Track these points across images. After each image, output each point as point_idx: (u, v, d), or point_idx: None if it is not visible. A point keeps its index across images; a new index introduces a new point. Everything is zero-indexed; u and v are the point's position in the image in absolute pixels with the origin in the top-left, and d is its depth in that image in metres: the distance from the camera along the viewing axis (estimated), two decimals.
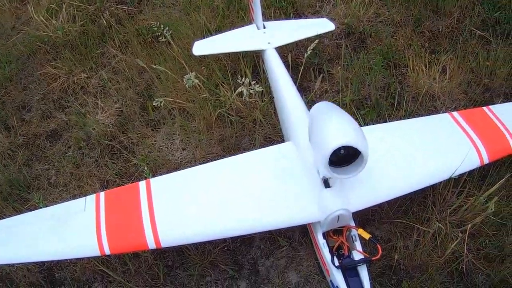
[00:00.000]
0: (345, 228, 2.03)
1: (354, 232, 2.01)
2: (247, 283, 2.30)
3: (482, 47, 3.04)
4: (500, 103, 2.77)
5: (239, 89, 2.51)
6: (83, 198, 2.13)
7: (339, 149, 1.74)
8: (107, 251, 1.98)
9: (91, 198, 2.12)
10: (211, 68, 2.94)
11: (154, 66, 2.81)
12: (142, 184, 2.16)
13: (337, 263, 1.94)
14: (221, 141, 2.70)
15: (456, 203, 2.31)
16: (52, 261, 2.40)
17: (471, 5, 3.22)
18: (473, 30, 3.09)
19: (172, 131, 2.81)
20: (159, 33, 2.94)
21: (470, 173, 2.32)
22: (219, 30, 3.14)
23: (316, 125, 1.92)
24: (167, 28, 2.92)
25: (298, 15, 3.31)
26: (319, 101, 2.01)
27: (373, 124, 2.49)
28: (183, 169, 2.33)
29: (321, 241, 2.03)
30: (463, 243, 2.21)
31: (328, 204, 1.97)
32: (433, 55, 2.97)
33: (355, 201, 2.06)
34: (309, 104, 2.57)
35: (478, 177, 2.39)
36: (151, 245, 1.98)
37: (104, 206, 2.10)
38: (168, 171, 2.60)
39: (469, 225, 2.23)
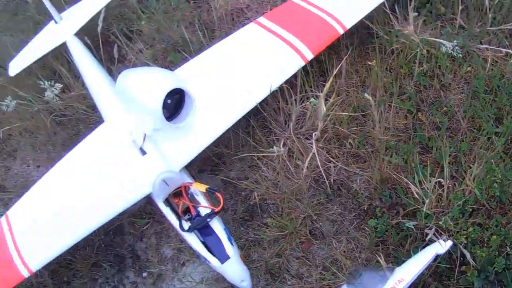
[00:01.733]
0: (183, 187, 1.92)
1: (193, 188, 1.91)
2: (134, 272, 2.24)
3: None
4: None
5: (45, 94, 2.43)
6: None
7: (165, 100, 1.77)
8: None
9: None
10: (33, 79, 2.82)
11: None
12: (2, 219, 2.11)
13: (186, 228, 1.84)
14: (63, 144, 2.62)
15: (294, 112, 2.12)
16: None
17: None
18: None
19: (25, 154, 2.75)
20: None
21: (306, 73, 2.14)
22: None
23: (131, 90, 1.86)
24: None
25: None
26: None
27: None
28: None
29: (164, 210, 1.94)
30: (315, 153, 1.99)
31: (148, 172, 1.88)
32: None
33: (178, 157, 1.96)
34: None
35: (318, 74, 2.22)
36: (24, 272, 1.93)
37: None
38: None
39: (316, 132, 2.02)
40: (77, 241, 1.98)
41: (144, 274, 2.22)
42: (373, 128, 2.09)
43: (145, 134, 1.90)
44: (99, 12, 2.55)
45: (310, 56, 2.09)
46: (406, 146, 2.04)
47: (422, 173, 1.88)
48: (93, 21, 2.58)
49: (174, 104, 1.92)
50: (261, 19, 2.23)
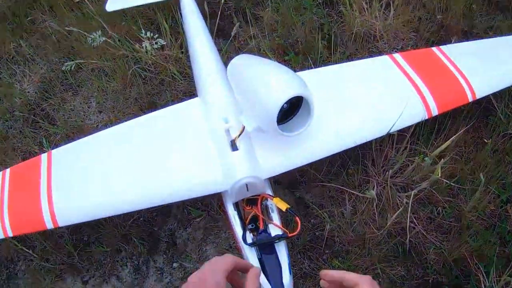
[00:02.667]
0: (260, 197, 1.63)
1: (270, 201, 1.63)
2: (164, 258, 1.95)
3: None
4: (458, 40, 2.30)
5: (143, 44, 2.14)
6: None
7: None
8: (9, 233, 1.67)
9: None
10: (129, 24, 2.56)
11: (67, 28, 2.45)
12: (43, 157, 1.83)
13: (249, 241, 1.54)
14: (137, 99, 2.34)
15: (399, 162, 1.88)
16: None
17: None
18: None
19: (89, 93, 2.46)
20: None
21: (418, 125, 1.90)
22: None
23: (250, 80, 1.58)
24: None
25: None
26: (240, 53, 1.70)
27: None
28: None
29: (231, 213, 1.64)
30: (408, 211, 1.76)
31: (234, 170, 1.59)
32: None
33: (270, 166, 1.67)
34: (236, 53, 2.19)
35: (428, 130, 1.97)
36: (49, 224, 1.65)
37: (8, 184, 1.79)
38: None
39: (415, 190, 1.79)
40: (117, 214, 1.70)
41: (175, 265, 1.93)
42: (465, 204, 1.86)
43: (244, 128, 1.63)
44: None
45: (435, 112, 1.84)
46: (486, 232, 1.81)
47: (494, 266, 1.66)
48: None
49: (288, 109, 1.65)
50: (397, 56, 1.99)
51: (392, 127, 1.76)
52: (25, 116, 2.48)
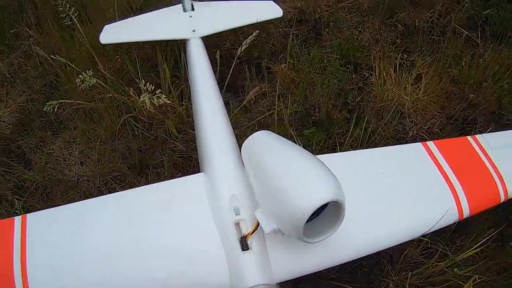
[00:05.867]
0: None
1: None
2: None
3: (467, 51, 2.16)
4: (485, 123, 1.95)
5: (141, 97, 1.70)
6: None
7: None
8: None
9: None
10: (123, 59, 2.12)
11: (53, 57, 1.99)
12: (17, 220, 1.36)
13: None
14: (127, 155, 1.91)
15: (424, 266, 1.54)
16: None
17: None
18: (458, 28, 2.21)
19: (71, 137, 2.02)
20: (64, 15, 2.07)
21: None
22: (142, 10, 2.29)
23: (268, 174, 1.19)
24: (73, 9, 2.06)
25: None
26: (258, 130, 1.30)
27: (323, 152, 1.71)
28: (79, 188, 1.70)
29: None
30: None
31: (244, 275, 1.19)
32: (406, 55, 2.13)
33: (283, 270, 1.27)
34: (243, 114, 1.77)
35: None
36: None
37: None
38: (63, 193, 1.86)
39: None
40: None
41: None
42: None
43: (258, 225, 1.24)
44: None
45: (467, 213, 1.49)
46: None
47: None
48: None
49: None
50: (430, 144, 1.62)
51: (425, 233, 1.40)
52: None
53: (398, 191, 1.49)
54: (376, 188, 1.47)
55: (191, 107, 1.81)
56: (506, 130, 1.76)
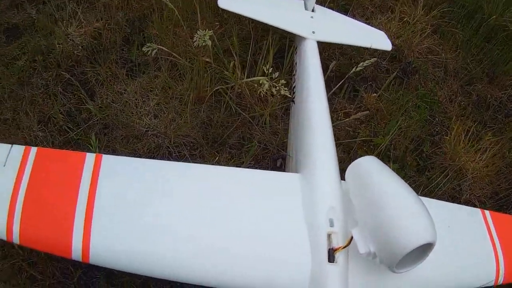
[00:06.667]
0: None
1: None
2: None
3: None
4: None
5: (260, 79, 1.63)
6: (7, 146, 1.19)
7: None
8: (15, 239, 1.08)
9: (18, 150, 1.19)
10: (228, 28, 2.02)
11: None
12: (89, 157, 1.23)
13: None
14: (206, 125, 1.83)
15: None
16: None
17: None
18: None
19: (151, 86, 1.91)
20: None
21: None
22: None
23: (374, 200, 1.20)
24: None
25: (345, 11, 2.38)
26: (366, 155, 1.29)
27: None
28: (146, 141, 1.57)
29: None
30: None
31: (325, 286, 1.18)
32: (474, 124, 2.18)
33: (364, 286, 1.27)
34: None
35: None
36: (76, 255, 1.11)
37: (31, 170, 1.18)
38: (124, 139, 1.75)
39: None
40: (170, 279, 1.19)
41: None
42: None
43: (350, 241, 1.23)
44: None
45: (501, 281, 1.59)
46: None
47: None
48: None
49: None
50: (487, 213, 1.69)
51: None
52: (58, 72, 1.88)
53: (457, 246, 1.54)
54: (442, 237, 1.52)
55: (290, 104, 1.77)
56: None
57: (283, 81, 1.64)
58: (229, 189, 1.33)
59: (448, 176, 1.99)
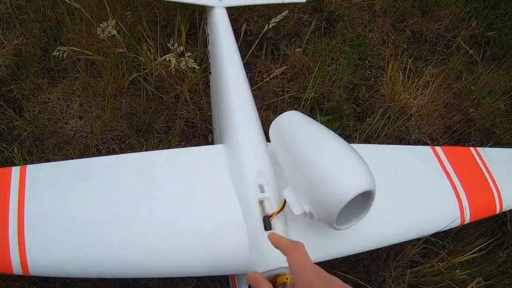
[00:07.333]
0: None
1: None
2: None
3: (467, 67, 2.22)
4: (478, 138, 2.00)
5: (167, 57, 1.60)
6: None
7: None
8: None
9: None
10: (138, 15, 2.00)
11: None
12: (15, 171, 1.22)
13: None
14: (130, 115, 1.81)
15: (424, 265, 1.55)
16: None
17: (466, 15, 2.37)
18: (462, 45, 2.25)
19: (72, 88, 1.89)
20: None
21: None
22: None
23: (301, 156, 1.13)
24: None
25: None
26: (288, 111, 1.25)
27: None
28: (75, 144, 1.54)
29: None
30: None
31: (265, 256, 1.12)
32: (411, 60, 2.11)
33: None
34: (253, 91, 1.70)
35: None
36: (17, 270, 1.10)
37: None
38: (55, 146, 1.73)
39: None
40: (112, 277, 1.16)
41: None
42: None
43: (284, 205, 1.19)
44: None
45: (467, 220, 1.52)
46: None
47: None
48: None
49: None
50: (438, 149, 1.63)
51: (430, 233, 1.42)
52: None
53: (410, 189, 1.47)
54: (391, 183, 1.45)
55: (208, 76, 1.73)
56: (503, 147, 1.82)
57: (189, 54, 1.61)
58: (155, 173, 1.29)
59: (391, 118, 1.94)
